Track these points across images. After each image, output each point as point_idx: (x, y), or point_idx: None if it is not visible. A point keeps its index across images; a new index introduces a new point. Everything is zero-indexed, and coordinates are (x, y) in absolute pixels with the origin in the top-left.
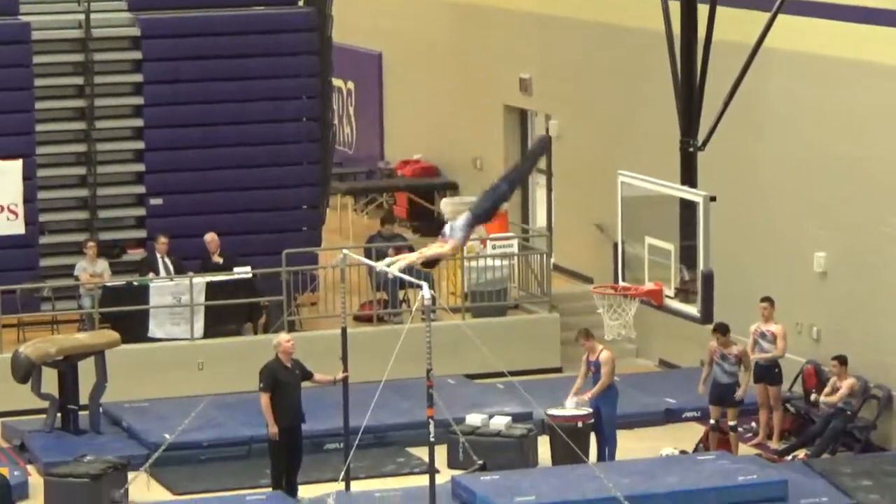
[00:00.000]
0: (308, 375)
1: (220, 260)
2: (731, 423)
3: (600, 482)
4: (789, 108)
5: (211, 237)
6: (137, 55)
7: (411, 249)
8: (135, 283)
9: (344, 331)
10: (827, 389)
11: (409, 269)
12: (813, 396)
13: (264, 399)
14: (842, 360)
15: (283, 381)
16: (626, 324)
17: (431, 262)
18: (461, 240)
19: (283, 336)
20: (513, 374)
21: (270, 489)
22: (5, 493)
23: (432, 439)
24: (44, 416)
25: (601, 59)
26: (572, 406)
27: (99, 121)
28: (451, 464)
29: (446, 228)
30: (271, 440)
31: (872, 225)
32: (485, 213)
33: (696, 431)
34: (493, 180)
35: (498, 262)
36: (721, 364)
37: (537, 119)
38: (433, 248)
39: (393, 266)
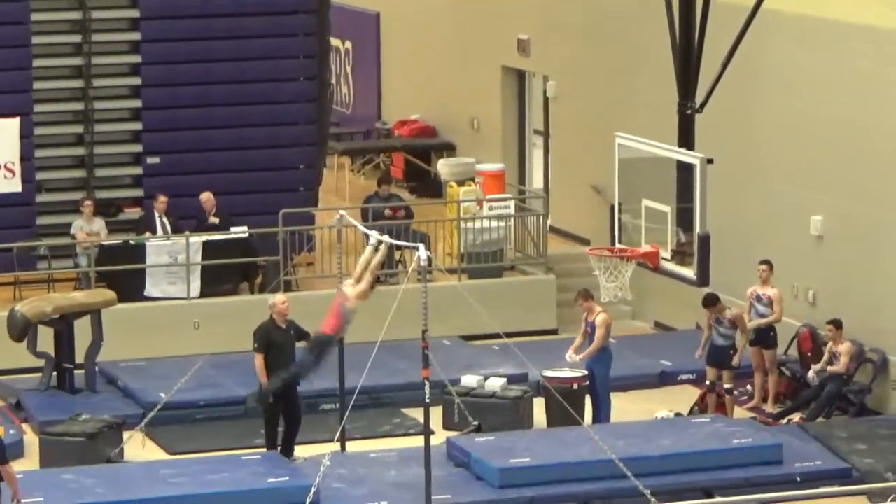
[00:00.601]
0: (304, 336)
1: (216, 220)
2: (727, 385)
3: (595, 444)
4: (788, 71)
5: (207, 196)
6: (135, 13)
7: (407, 210)
8: (131, 242)
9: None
10: (825, 357)
11: (405, 232)
12: (810, 375)
13: (258, 360)
14: (837, 325)
15: (277, 342)
16: (623, 286)
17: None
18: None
19: (279, 297)
20: (508, 335)
21: (265, 449)
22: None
23: (428, 400)
24: (39, 374)
25: (599, 20)
26: (570, 360)
27: (96, 79)
28: (447, 425)
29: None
30: (267, 400)
31: (869, 189)
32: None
33: (691, 394)
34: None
35: (494, 224)
36: (716, 328)
37: (535, 80)
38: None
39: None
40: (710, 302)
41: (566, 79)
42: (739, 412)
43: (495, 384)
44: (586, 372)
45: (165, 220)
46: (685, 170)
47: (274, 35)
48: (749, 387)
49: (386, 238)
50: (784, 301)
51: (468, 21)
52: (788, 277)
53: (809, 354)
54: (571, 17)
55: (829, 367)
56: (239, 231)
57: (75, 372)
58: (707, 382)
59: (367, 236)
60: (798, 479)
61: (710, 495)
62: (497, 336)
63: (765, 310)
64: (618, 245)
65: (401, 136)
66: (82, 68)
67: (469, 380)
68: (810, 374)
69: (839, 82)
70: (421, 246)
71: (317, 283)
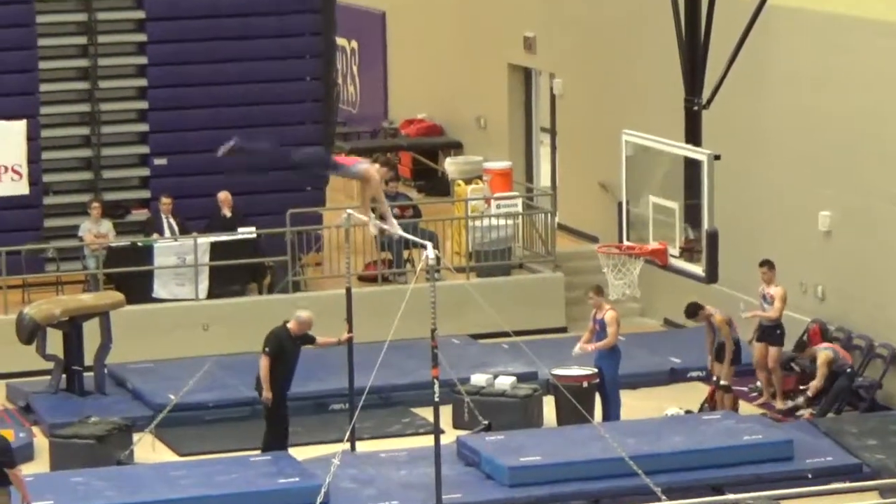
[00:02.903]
0: (310, 340)
1: (229, 213)
2: (724, 382)
3: (605, 442)
4: (794, 67)
5: (224, 196)
6: (141, 14)
7: (415, 209)
8: (139, 244)
9: (348, 291)
10: (816, 381)
11: (413, 231)
12: (809, 390)
13: (264, 362)
14: (802, 347)
15: (287, 351)
16: (631, 283)
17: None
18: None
19: (307, 314)
20: (517, 333)
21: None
22: (6, 454)
23: (437, 399)
24: (48, 377)
25: (605, 17)
26: (579, 352)
27: (102, 80)
28: (456, 424)
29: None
30: (266, 405)
31: (877, 184)
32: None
33: (701, 391)
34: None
35: (502, 222)
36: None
37: (541, 77)
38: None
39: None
40: (692, 313)
41: (573, 76)
42: (750, 408)
43: (505, 383)
44: (595, 370)
45: (172, 221)
46: (692, 166)
47: (280, 35)
48: (759, 383)
49: (397, 231)
50: (792, 297)
51: (474, 19)
52: (797, 273)
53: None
54: (577, 13)
55: (810, 394)
56: (246, 231)
57: (84, 374)
58: (714, 379)
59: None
60: (809, 476)
61: (720, 492)
62: (506, 334)
63: (769, 308)
64: (626, 242)
65: (408, 136)
66: (88, 70)
67: (478, 378)
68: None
69: (846, 77)
70: (429, 245)
71: (325, 282)
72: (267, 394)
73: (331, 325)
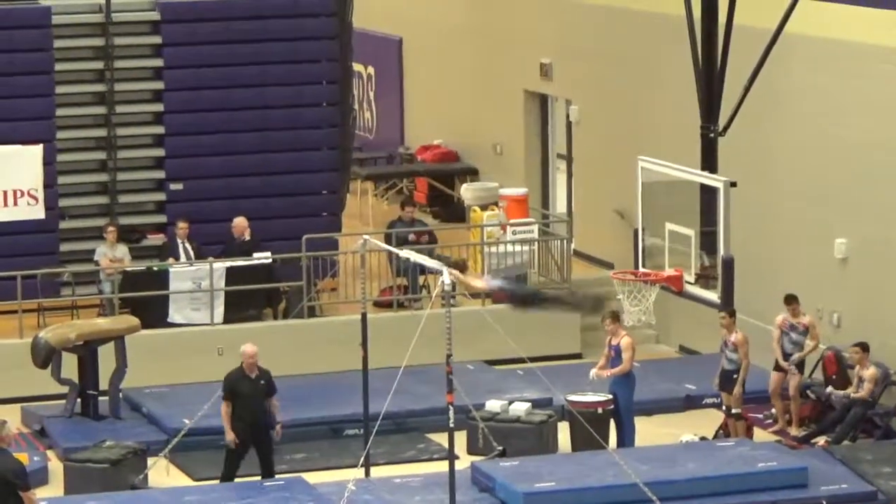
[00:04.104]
0: (271, 392)
1: (246, 238)
2: (734, 410)
3: (620, 468)
4: (810, 94)
5: (240, 221)
6: (157, 39)
7: (431, 235)
8: (155, 269)
9: (364, 316)
10: (852, 388)
11: (429, 255)
12: (828, 389)
13: (223, 407)
14: (864, 347)
15: (241, 392)
16: (647, 310)
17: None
18: (489, 288)
19: (248, 348)
20: (532, 360)
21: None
22: (20, 477)
23: (452, 425)
24: (63, 401)
25: (622, 44)
26: (594, 377)
27: (119, 105)
28: (471, 450)
29: (488, 276)
30: (229, 447)
31: (893, 211)
32: (514, 296)
33: (716, 418)
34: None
35: (518, 248)
36: (725, 351)
37: (557, 104)
38: (472, 278)
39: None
40: (729, 312)
41: (589, 103)
42: (765, 435)
43: (519, 409)
44: (610, 396)
45: (188, 245)
46: (708, 193)
47: (296, 61)
48: (773, 410)
49: (414, 255)
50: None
51: (490, 45)
52: (813, 301)
53: (834, 377)
54: (594, 40)
55: (853, 395)
56: (262, 257)
57: (99, 398)
58: (724, 407)
59: (390, 260)
60: (824, 503)
61: None
62: (521, 360)
63: (799, 338)
64: (641, 269)
65: (424, 161)
66: (105, 94)
67: (493, 404)
68: (829, 389)
69: (862, 104)
70: (445, 270)
71: (340, 308)
72: (228, 436)
73: (346, 351)
